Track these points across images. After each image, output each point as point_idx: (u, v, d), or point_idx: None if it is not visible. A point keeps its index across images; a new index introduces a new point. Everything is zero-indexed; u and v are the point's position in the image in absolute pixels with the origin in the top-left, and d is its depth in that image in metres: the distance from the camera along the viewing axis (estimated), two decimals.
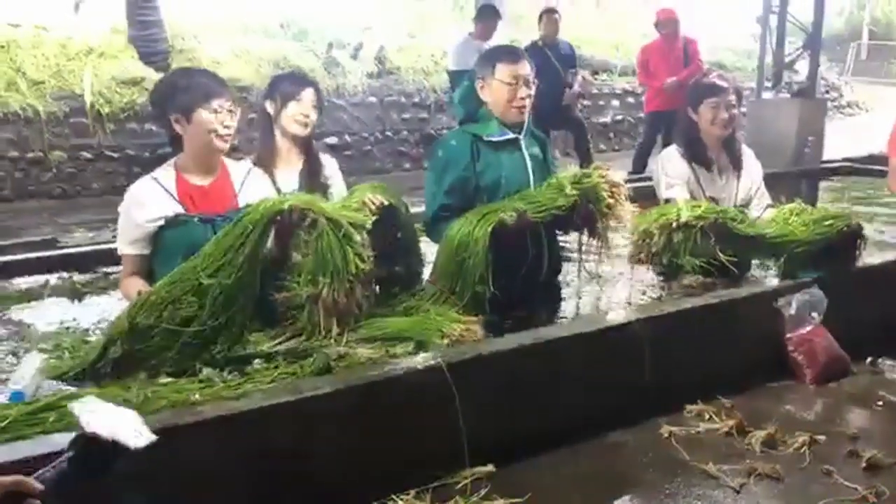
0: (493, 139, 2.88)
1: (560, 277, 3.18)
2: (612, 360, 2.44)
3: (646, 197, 3.36)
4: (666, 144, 3.48)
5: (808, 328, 2.78)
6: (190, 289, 2.10)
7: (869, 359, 2.91)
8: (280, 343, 2.17)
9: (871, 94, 16.04)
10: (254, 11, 9.60)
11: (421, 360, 2.11)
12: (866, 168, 6.55)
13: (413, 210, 2.90)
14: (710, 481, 2.12)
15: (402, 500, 1.94)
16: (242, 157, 2.76)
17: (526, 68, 2.88)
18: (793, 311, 2.79)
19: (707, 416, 2.46)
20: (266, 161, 2.85)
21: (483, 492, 2.00)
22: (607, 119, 10.82)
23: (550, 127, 6.69)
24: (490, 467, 2.09)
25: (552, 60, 6.85)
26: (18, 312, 3.32)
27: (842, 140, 9.20)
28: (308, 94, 2.86)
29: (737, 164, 3.32)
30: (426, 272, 2.82)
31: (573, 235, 3.07)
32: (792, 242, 2.91)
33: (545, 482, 2.11)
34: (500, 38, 7.08)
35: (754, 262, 3.24)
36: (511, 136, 2.91)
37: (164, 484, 1.66)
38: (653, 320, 2.53)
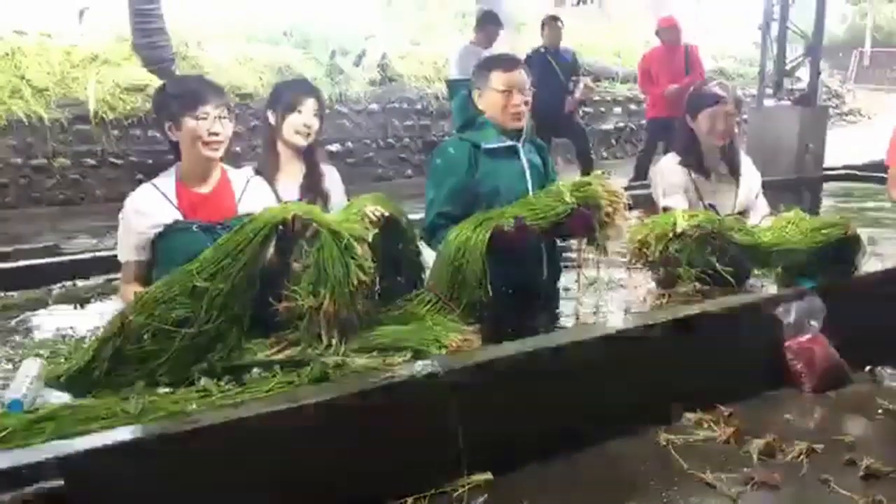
0: (491, 147, 2.89)
1: (559, 284, 3.19)
2: (610, 367, 2.44)
3: (647, 204, 3.37)
4: (667, 152, 3.48)
5: (807, 336, 2.78)
6: (183, 290, 2.11)
7: (868, 367, 2.90)
8: (277, 352, 2.17)
9: (874, 101, 16.06)
10: (258, 19, 9.65)
11: (419, 367, 2.11)
12: (867, 175, 6.55)
13: (415, 217, 2.91)
14: (707, 490, 2.11)
15: None
16: (243, 165, 2.78)
17: (521, 76, 2.89)
18: (791, 319, 2.79)
19: (705, 425, 2.46)
20: (268, 170, 2.86)
21: (481, 500, 2.01)
22: (609, 126, 10.84)
23: (552, 134, 6.72)
24: (488, 475, 2.09)
25: (554, 67, 6.89)
26: (21, 319, 3.34)
27: (844, 147, 9.20)
28: (309, 104, 2.86)
29: (735, 173, 3.33)
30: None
31: (573, 243, 3.08)
32: (790, 251, 2.92)
33: (543, 490, 2.11)
34: (501, 45, 7.10)
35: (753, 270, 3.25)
36: (509, 143, 2.92)
37: (165, 493, 1.68)
38: (651, 328, 2.53)
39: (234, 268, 2.13)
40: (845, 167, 7.19)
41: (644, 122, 8.69)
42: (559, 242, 3.11)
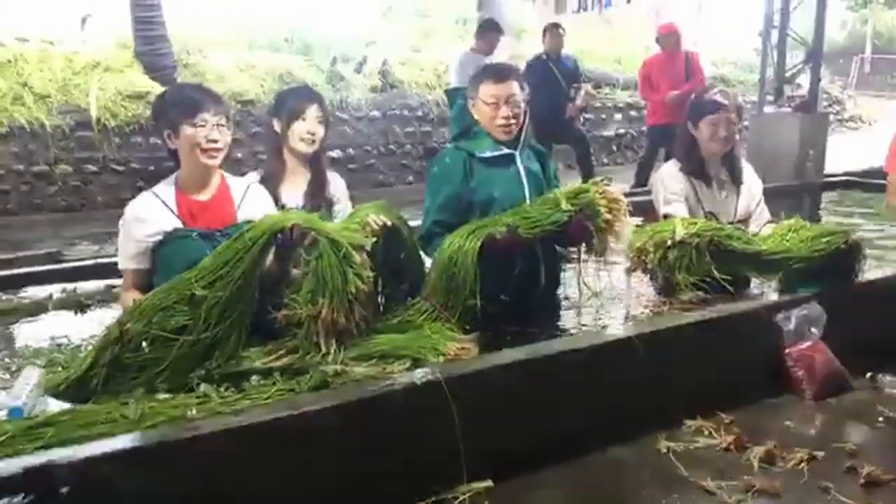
0: (486, 156, 2.89)
1: (558, 292, 3.18)
2: (610, 374, 2.44)
3: (647, 211, 3.37)
4: (668, 158, 3.48)
5: (808, 343, 2.78)
6: (182, 298, 2.11)
7: (868, 374, 2.90)
8: (276, 359, 2.18)
9: (875, 107, 16.07)
10: (259, 26, 9.68)
11: (418, 375, 2.11)
12: (867, 182, 6.55)
13: (416, 223, 2.92)
14: (708, 497, 2.11)
15: None
16: (246, 171, 2.79)
17: (510, 88, 2.87)
18: (792, 327, 2.78)
19: (706, 432, 2.45)
20: (274, 178, 2.87)
21: None
22: (610, 132, 10.85)
23: (553, 141, 6.73)
24: (488, 482, 2.09)
25: (556, 74, 6.91)
26: (21, 325, 3.34)
27: (844, 153, 9.20)
28: (313, 111, 2.87)
29: (736, 180, 3.33)
30: None
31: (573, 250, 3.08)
32: (790, 259, 2.92)
33: (543, 498, 2.11)
34: (502, 52, 7.11)
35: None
36: (505, 152, 2.92)
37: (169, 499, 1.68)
38: (651, 335, 2.53)
39: (232, 275, 2.13)
40: (845, 174, 7.19)
41: (644, 128, 8.69)
42: (558, 249, 3.11)
